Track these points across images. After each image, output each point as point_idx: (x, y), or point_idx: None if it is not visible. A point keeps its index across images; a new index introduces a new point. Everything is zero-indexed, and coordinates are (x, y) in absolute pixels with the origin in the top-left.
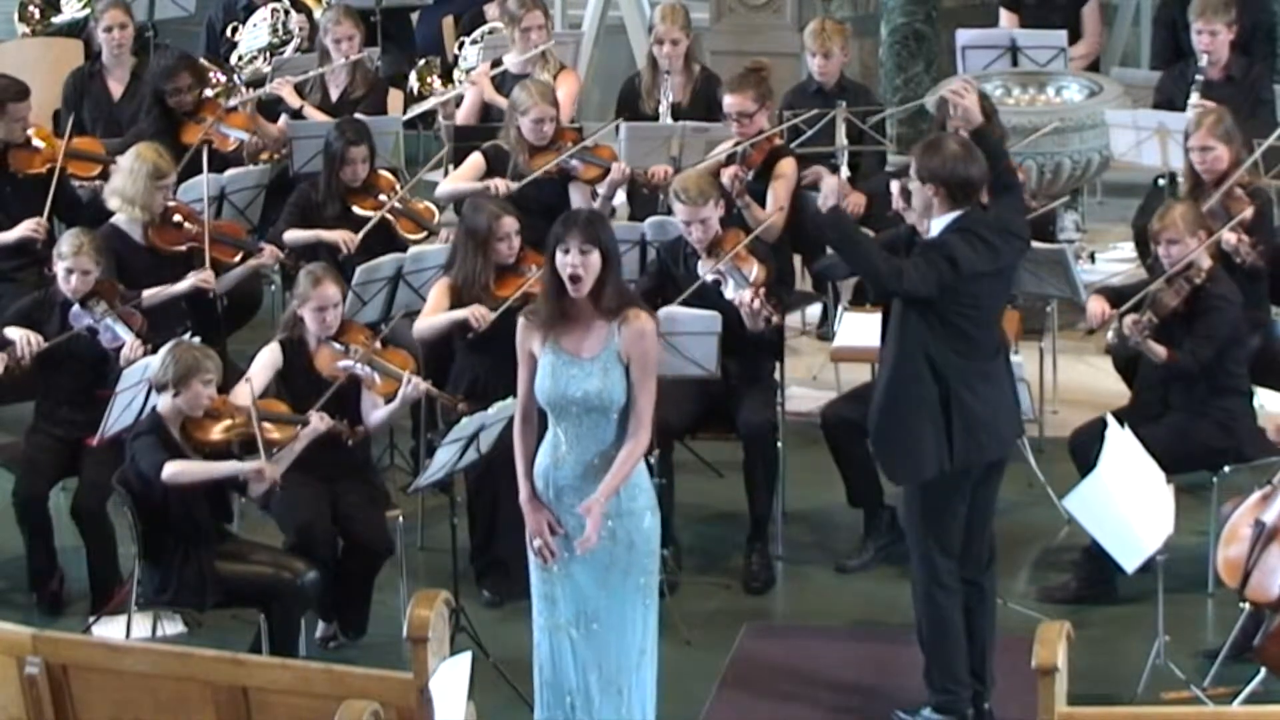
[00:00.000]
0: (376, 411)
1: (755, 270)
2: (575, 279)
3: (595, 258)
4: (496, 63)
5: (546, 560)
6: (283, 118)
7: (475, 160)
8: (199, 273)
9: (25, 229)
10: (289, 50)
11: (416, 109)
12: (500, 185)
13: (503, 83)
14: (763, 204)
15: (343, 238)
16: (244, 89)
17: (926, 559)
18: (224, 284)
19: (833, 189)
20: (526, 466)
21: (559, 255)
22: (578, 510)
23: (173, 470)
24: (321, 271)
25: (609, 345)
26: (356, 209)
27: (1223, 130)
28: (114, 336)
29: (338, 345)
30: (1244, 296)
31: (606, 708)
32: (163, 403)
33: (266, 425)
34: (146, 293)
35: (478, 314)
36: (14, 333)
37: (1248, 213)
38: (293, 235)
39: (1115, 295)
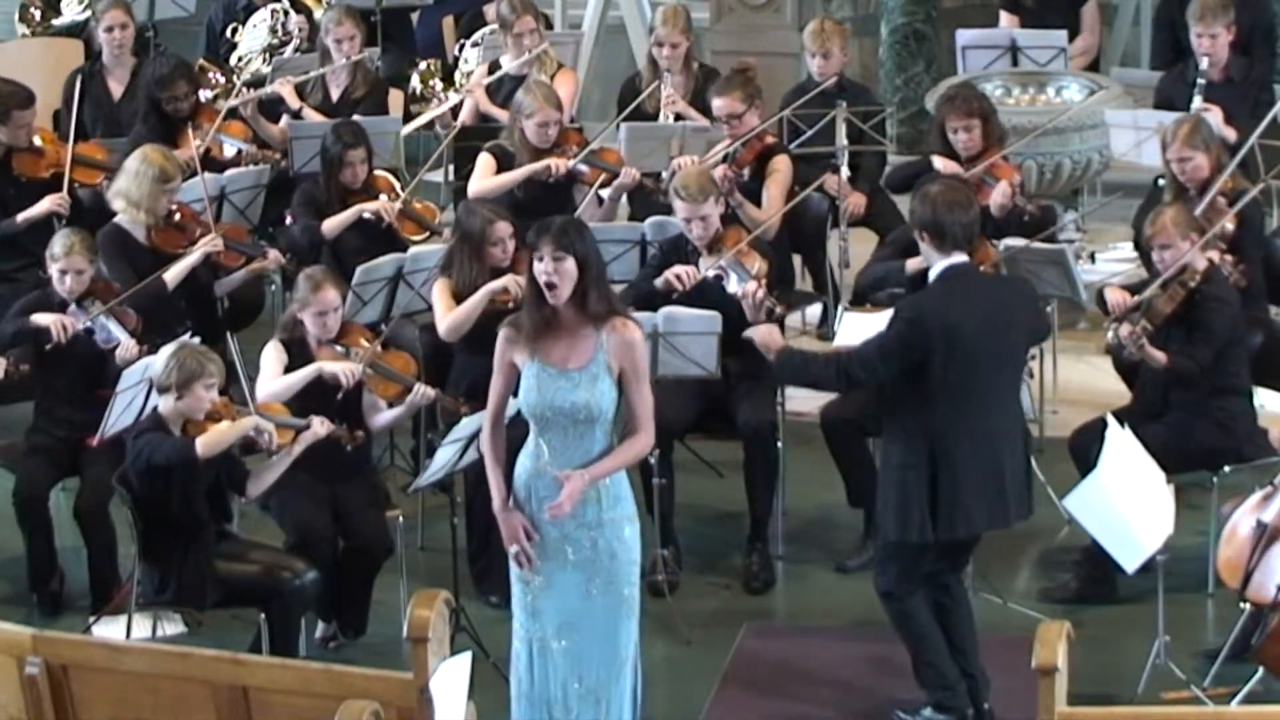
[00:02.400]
0: (380, 415)
1: (757, 264)
2: (550, 286)
3: (569, 264)
4: (494, 66)
5: (522, 565)
6: (284, 119)
7: (486, 160)
8: (206, 239)
9: (50, 202)
10: (289, 51)
11: (414, 124)
12: (560, 164)
13: (499, 87)
14: (757, 202)
15: (382, 206)
16: (244, 90)
17: (885, 567)
18: (225, 286)
19: (764, 339)
20: (499, 475)
21: (535, 264)
22: (557, 475)
23: (205, 443)
24: (321, 275)
25: (596, 355)
26: None
27: (1200, 138)
28: (109, 336)
29: (339, 348)
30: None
31: (584, 717)
32: (164, 404)
33: None
34: (168, 275)
35: (515, 280)
36: (44, 318)
37: (1229, 227)
38: (332, 223)
39: (1132, 287)
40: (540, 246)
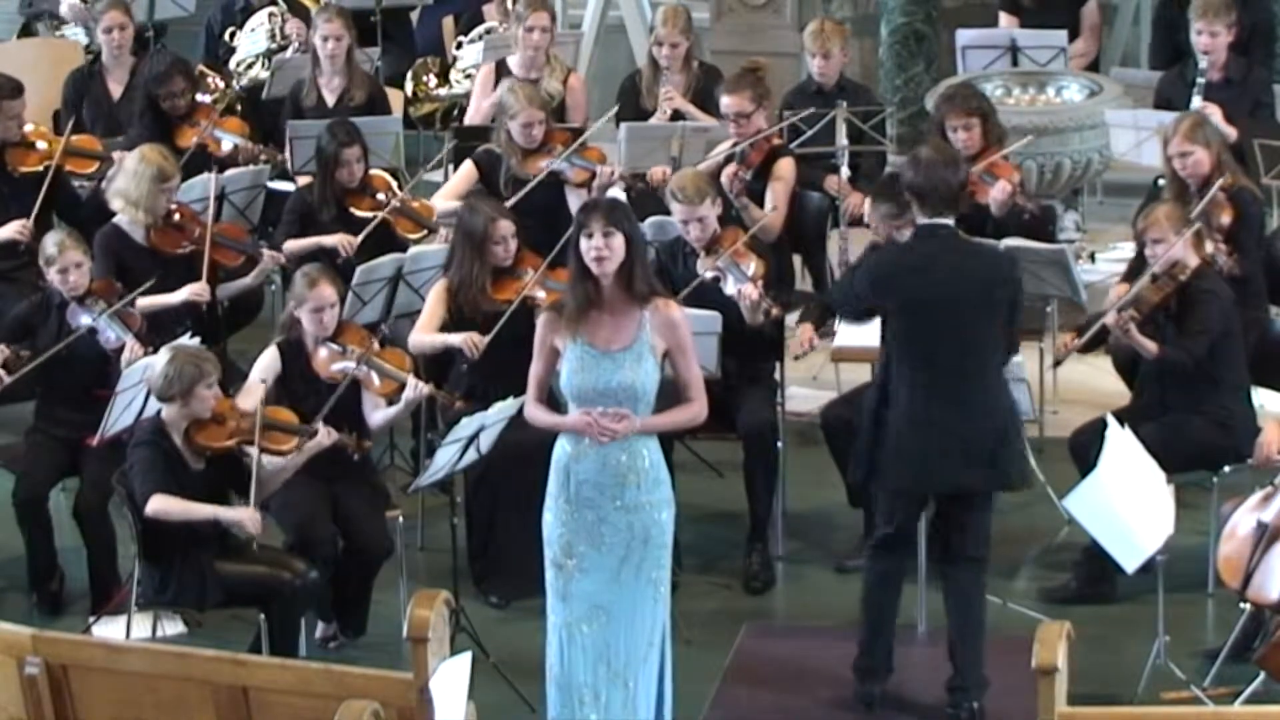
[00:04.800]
0: (377, 413)
1: (754, 265)
2: (600, 259)
3: (618, 241)
4: (501, 65)
5: (602, 431)
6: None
7: (467, 169)
8: (194, 286)
9: (10, 231)
10: (288, 53)
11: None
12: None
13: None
14: (761, 203)
15: (341, 241)
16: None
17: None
18: (229, 291)
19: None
20: (555, 416)
21: (583, 241)
22: (616, 410)
23: (156, 506)
24: (317, 273)
25: (640, 336)
26: (354, 210)
27: (1201, 134)
28: (114, 337)
29: (335, 346)
30: (1235, 296)
31: (614, 701)
32: (167, 411)
33: (272, 434)
34: (142, 301)
35: (471, 341)
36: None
37: (1225, 219)
38: (292, 245)
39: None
40: (590, 224)
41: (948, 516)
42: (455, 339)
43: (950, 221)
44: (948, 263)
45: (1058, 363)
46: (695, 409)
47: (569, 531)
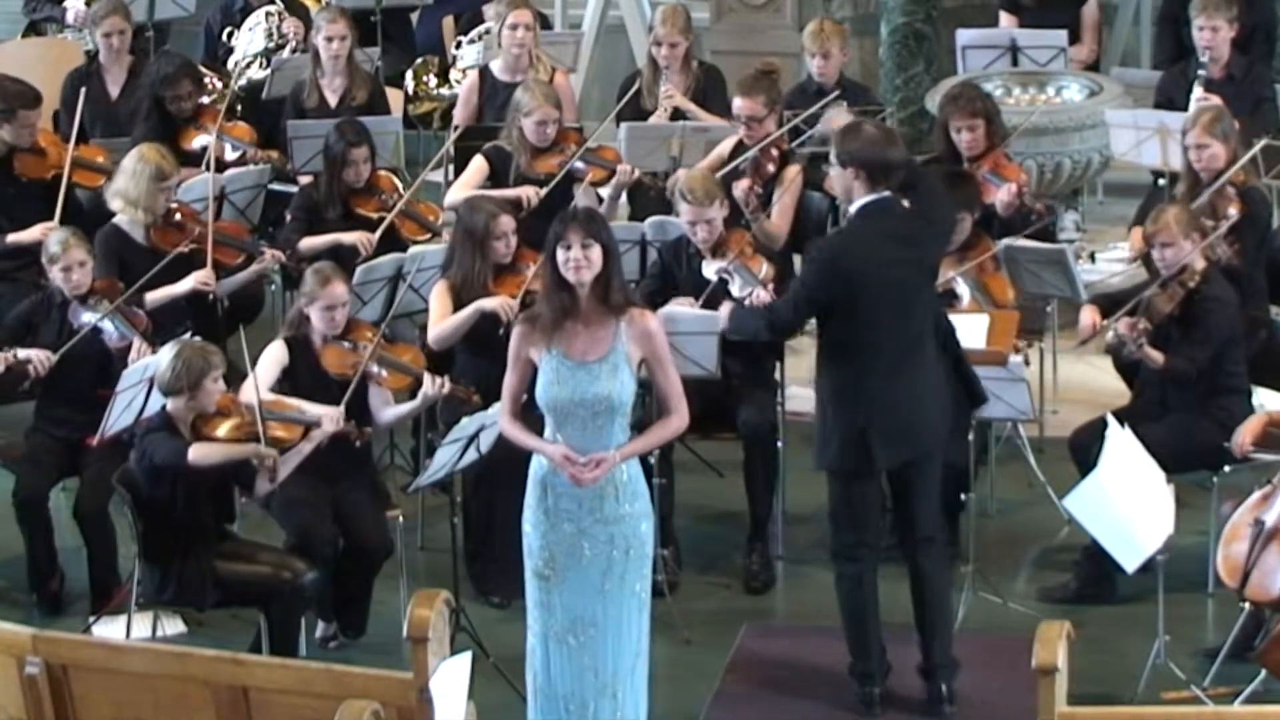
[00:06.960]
0: (389, 409)
1: (765, 268)
2: (578, 270)
3: (596, 252)
4: (485, 71)
5: (582, 478)
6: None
7: (478, 164)
8: (199, 274)
9: (36, 232)
10: (285, 53)
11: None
12: (531, 193)
13: (494, 94)
14: (765, 204)
15: (360, 239)
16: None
17: (831, 525)
18: (228, 287)
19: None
20: (536, 439)
21: (560, 252)
22: (592, 457)
23: (197, 453)
24: (330, 270)
25: (615, 346)
26: (359, 210)
27: (1219, 128)
28: (120, 336)
29: (345, 343)
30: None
31: (602, 711)
32: (173, 403)
33: (273, 424)
34: (149, 295)
35: (506, 304)
36: (30, 353)
37: (1232, 213)
38: (308, 243)
39: (1109, 303)
40: (568, 235)
41: (899, 503)
42: (489, 303)
43: (888, 194)
44: (893, 239)
45: (1084, 341)
46: (676, 422)
47: (549, 544)
